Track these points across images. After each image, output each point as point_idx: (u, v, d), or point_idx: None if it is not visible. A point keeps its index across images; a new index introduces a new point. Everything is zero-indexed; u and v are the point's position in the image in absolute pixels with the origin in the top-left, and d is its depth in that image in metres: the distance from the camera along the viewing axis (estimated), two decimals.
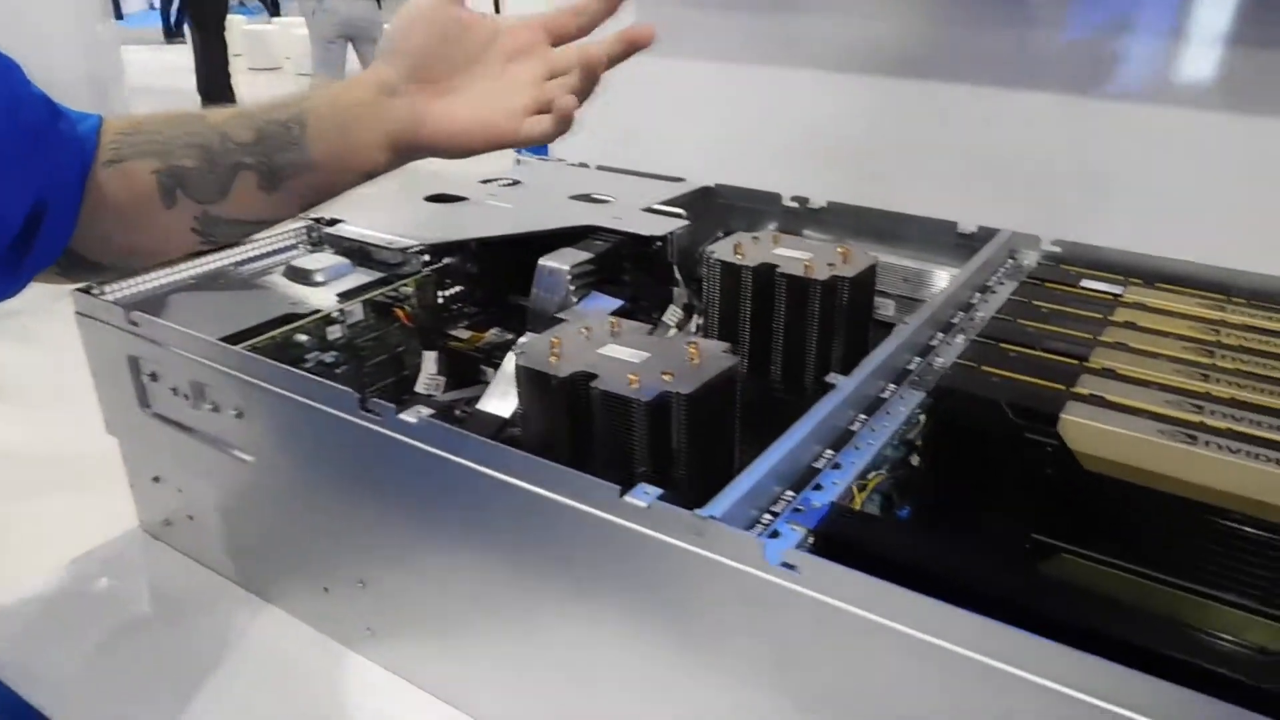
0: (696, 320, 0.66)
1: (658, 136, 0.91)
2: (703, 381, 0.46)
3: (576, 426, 0.48)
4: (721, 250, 0.64)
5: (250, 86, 5.53)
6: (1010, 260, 0.68)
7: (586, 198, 0.74)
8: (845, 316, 0.61)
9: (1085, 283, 0.62)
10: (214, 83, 4.74)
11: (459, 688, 0.48)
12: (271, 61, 6.15)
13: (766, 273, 0.62)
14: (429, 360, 0.60)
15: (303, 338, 0.55)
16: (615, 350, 0.50)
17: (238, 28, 5.79)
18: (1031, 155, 0.71)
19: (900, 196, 0.71)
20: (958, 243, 0.68)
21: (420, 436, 0.42)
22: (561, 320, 0.60)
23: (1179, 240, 0.60)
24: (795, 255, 0.63)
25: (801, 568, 0.33)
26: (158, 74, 5.22)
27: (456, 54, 0.49)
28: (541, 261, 0.63)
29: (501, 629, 0.44)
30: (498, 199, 0.74)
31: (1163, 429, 0.44)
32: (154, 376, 0.53)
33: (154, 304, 0.56)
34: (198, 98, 4.69)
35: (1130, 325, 0.56)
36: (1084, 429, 0.44)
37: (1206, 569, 0.43)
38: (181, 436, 0.54)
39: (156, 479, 0.58)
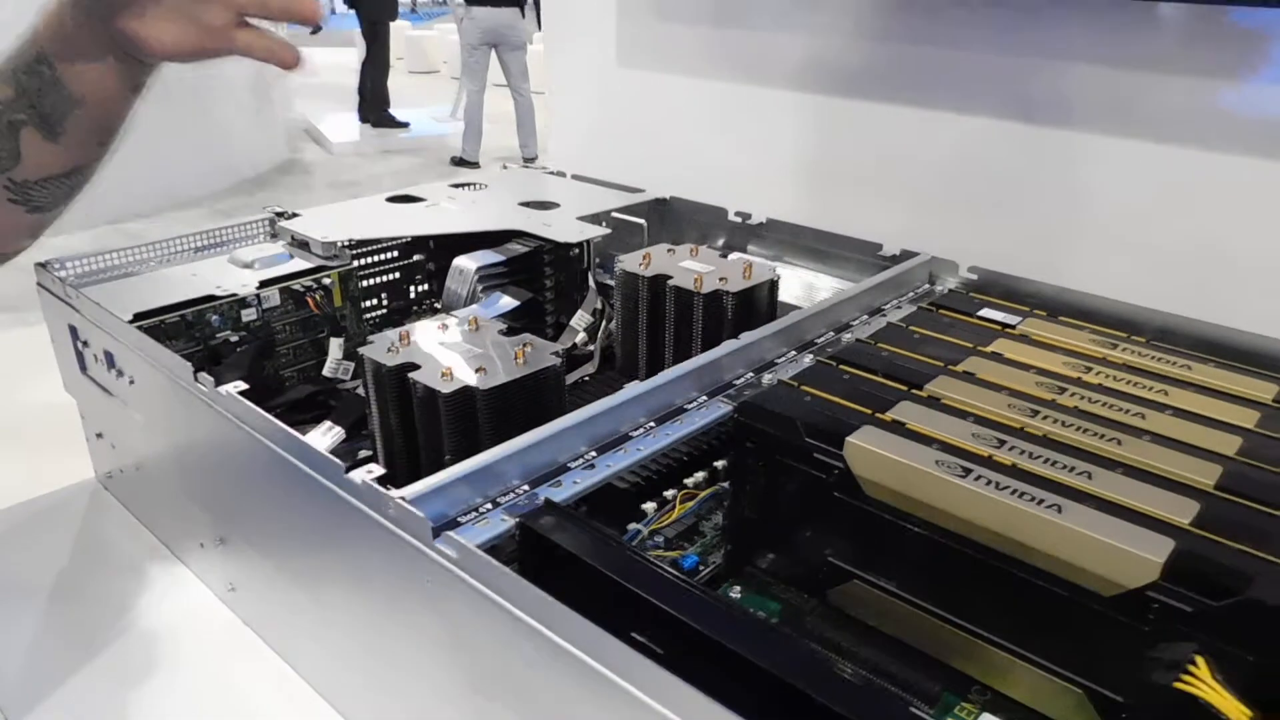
0: (604, 324, 0.68)
1: (650, 150, 0.93)
2: (509, 379, 0.49)
3: (402, 411, 0.51)
4: (628, 261, 0.66)
5: (410, 88, 5.87)
6: (927, 285, 0.66)
7: (534, 204, 0.77)
8: (733, 327, 0.61)
9: (985, 311, 0.61)
10: (375, 84, 5.06)
11: (281, 640, 0.52)
12: (429, 65, 6.50)
13: (659, 283, 0.63)
14: (335, 346, 0.64)
15: (214, 317, 0.61)
16: (455, 346, 0.53)
17: (400, 33, 6.15)
18: (1007, 182, 0.69)
19: (875, 216, 0.71)
20: (880, 264, 0.68)
21: (228, 407, 0.46)
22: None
23: (1147, 275, 0.57)
24: (695, 268, 0.65)
25: (456, 551, 0.35)
26: (326, 72, 5.59)
27: None
28: (455, 260, 0.67)
29: (295, 586, 0.48)
30: (454, 201, 0.79)
31: (940, 460, 0.43)
32: (85, 344, 0.61)
33: (100, 279, 0.63)
34: (356, 97, 5.03)
35: (996, 356, 0.54)
36: (865, 453, 0.44)
37: (967, 603, 0.42)
38: (106, 397, 0.61)
39: (99, 435, 0.66)
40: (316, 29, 0.52)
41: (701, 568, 0.51)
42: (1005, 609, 0.41)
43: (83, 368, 0.62)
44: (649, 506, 0.50)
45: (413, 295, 0.75)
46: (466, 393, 0.48)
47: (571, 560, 0.38)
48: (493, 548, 0.38)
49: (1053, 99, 0.66)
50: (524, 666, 0.35)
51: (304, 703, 0.49)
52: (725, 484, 0.50)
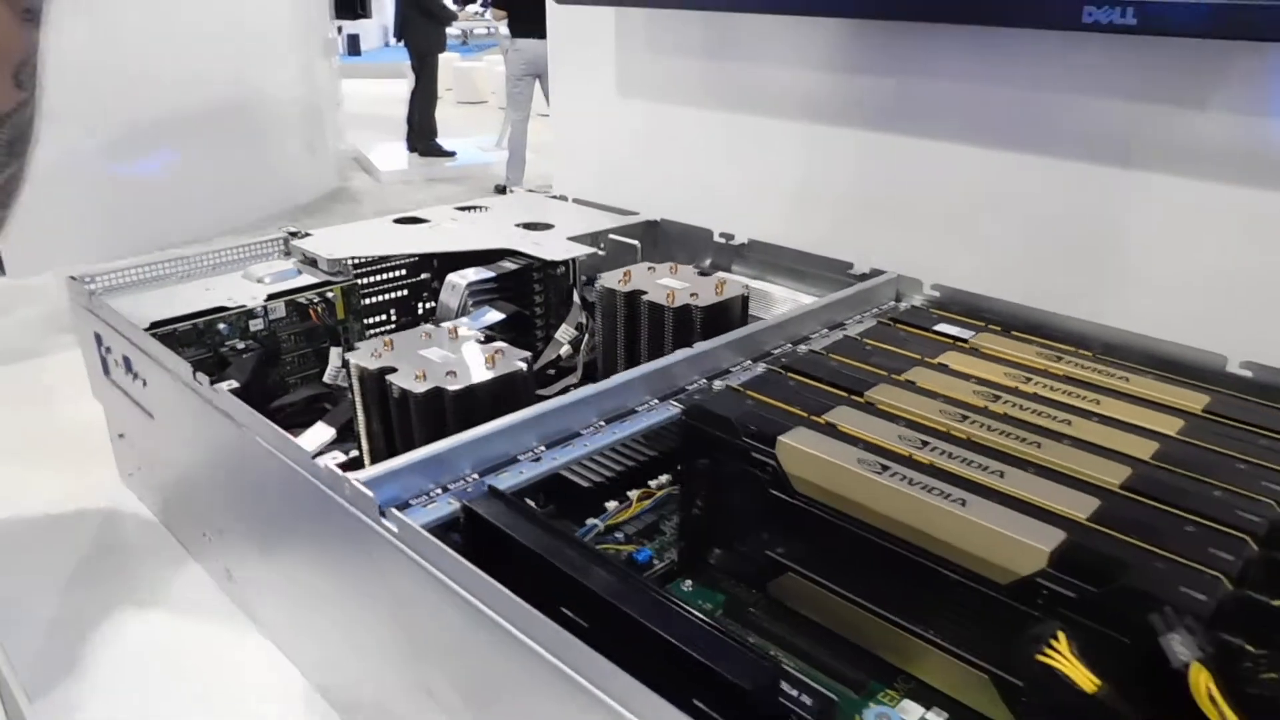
0: (587, 337, 0.72)
1: (648, 175, 0.97)
2: (476, 381, 0.53)
3: (382, 411, 0.56)
4: (607, 278, 0.70)
5: (458, 118, 6.02)
6: (893, 302, 0.69)
7: (530, 225, 0.82)
8: (702, 339, 0.65)
9: (941, 326, 0.63)
10: (423, 114, 5.21)
11: (268, 623, 0.57)
12: (477, 96, 6.66)
13: (635, 298, 0.67)
14: (335, 355, 0.69)
15: (223, 326, 0.66)
16: (433, 353, 0.58)
17: (449, 65, 6.33)
18: (1003, 208, 0.72)
19: (860, 237, 0.74)
20: (850, 281, 0.71)
21: (220, 403, 0.51)
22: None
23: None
24: (671, 285, 0.69)
25: (398, 527, 0.39)
26: (376, 103, 5.78)
27: None
28: (448, 276, 0.72)
29: (276, 571, 0.53)
30: (456, 222, 0.84)
31: (863, 458, 0.46)
32: (108, 350, 0.66)
33: (123, 290, 0.69)
34: (405, 127, 5.18)
35: (941, 366, 0.57)
36: (794, 452, 0.47)
37: (886, 593, 0.45)
38: (126, 400, 0.66)
39: (121, 435, 0.71)
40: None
41: (656, 562, 0.54)
42: (918, 599, 0.44)
43: (106, 372, 0.68)
44: (611, 505, 0.54)
45: (420, 311, 0.80)
46: (436, 393, 0.52)
47: (508, 541, 0.42)
48: (438, 527, 0.42)
49: (1017, 124, 0.69)
50: (456, 636, 0.39)
51: (291, 684, 0.53)
52: None
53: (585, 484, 0.55)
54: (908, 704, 0.46)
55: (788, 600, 0.50)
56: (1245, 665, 0.37)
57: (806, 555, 0.49)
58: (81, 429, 0.75)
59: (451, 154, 5.14)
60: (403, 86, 5.41)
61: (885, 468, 0.45)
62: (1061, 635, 0.36)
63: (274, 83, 3.36)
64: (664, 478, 0.55)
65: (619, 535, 0.55)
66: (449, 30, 5.42)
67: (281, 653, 0.55)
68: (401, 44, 5.20)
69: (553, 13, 0.98)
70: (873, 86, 0.76)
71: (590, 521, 0.53)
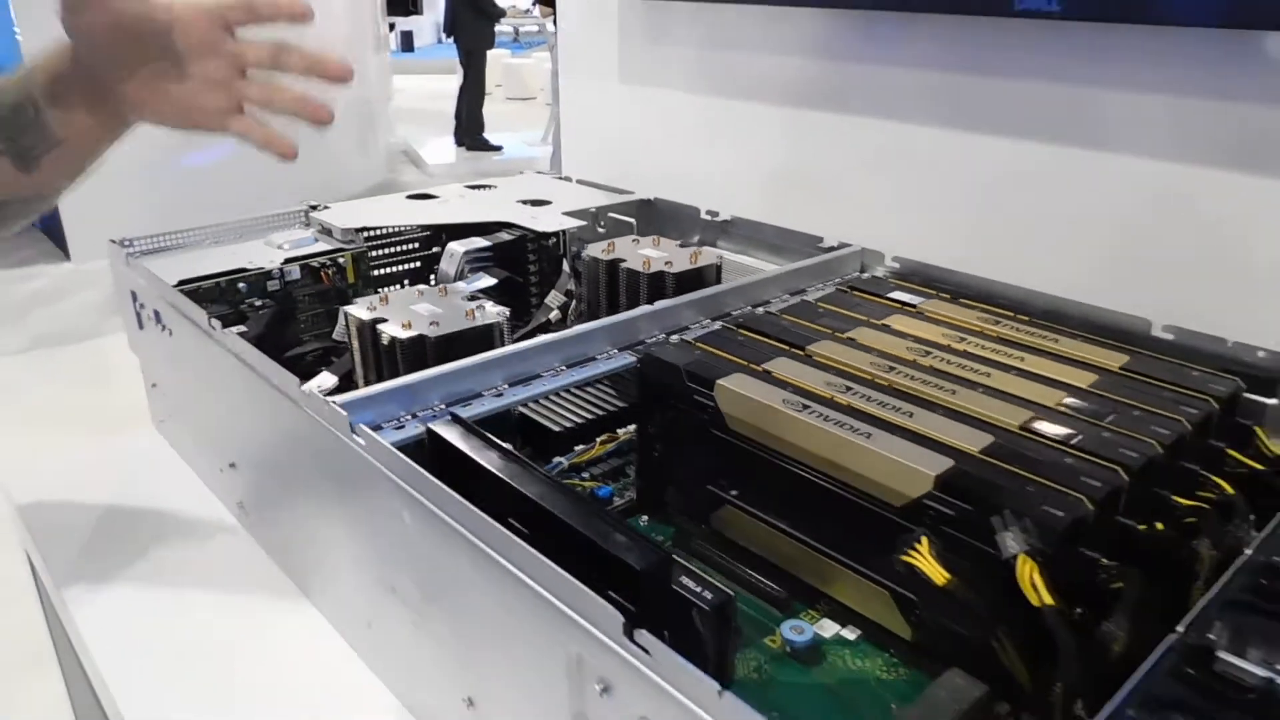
0: (574, 302, 0.78)
1: (648, 157, 1.03)
2: (455, 330, 0.60)
3: (376, 357, 0.62)
4: (593, 248, 0.76)
5: (507, 114, 6.13)
6: (858, 273, 0.74)
7: (531, 202, 0.88)
8: None
9: (895, 294, 0.68)
10: (471, 109, 5.32)
11: (275, 547, 0.63)
12: (526, 92, 6.77)
13: (614, 265, 0.73)
14: (341, 313, 0.76)
15: (243, 285, 0.74)
16: (422, 308, 0.64)
17: (499, 61, 6.44)
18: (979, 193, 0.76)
19: (838, 215, 0.79)
20: (821, 254, 0.76)
21: (230, 345, 0.58)
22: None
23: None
24: (650, 254, 0.74)
25: (365, 440, 0.46)
26: (427, 98, 5.91)
27: (138, 46, 0.51)
28: (449, 244, 0.78)
29: (277, 497, 0.60)
30: (464, 199, 0.90)
31: (787, 399, 0.51)
32: (142, 306, 0.74)
33: (157, 253, 0.77)
34: (454, 122, 5.30)
35: (884, 327, 0.62)
36: (729, 393, 0.53)
37: (805, 520, 0.50)
38: (157, 352, 0.74)
39: (154, 385, 0.79)
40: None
41: (616, 499, 0.60)
42: (831, 524, 0.49)
43: (140, 325, 0.76)
44: (580, 448, 0.60)
45: (432, 282, 0.86)
46: (419, 339, 0.59)
47: (464, 458, 0.48)
48: (403, 445, 0.48)
49: (980, 108, 0.73)
50: (415, 538, 0.45)
51: (298, 607, 0.60)
52: None
53: (556, 429, 0.60)
54: (826, 622, 0.51)
55: (727, 531, 0.55)
56: (1100, 576, 0.42)
57: (740, 488, 0.54)
58: (127, 402, 0.83)
59: (498, 148, 5.24)
60: (452, 82, 5.53)
61: (806, 407, 0.50)
62: (924, 540, 0.41)
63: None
64: (633, 427, 0.61)
65: (585, 475, 0.61)
66: (498, 27, 5.53)
67: (280, 569, 0.62)
68: (451, 40, 5.31)
69: (561, 6, 1.04)
70: (848, 73, 0.81)
71: (556, 459, 0.59)
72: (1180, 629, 0.32)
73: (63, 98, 0.50)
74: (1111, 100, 0.65)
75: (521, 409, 0.54)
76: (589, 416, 0.60)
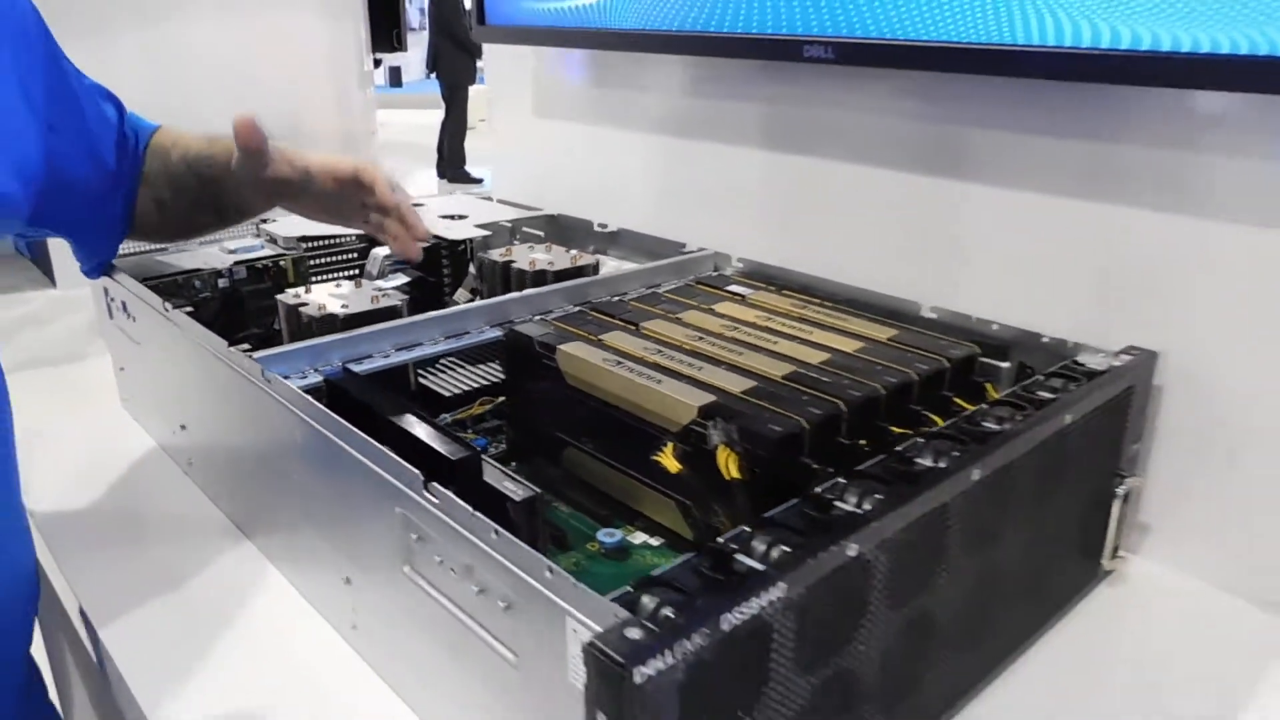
0: (478, 298, 0.93)
1: (560, 178, 1.18)
2: (359, 310, 0.74)
3: (298, 332, 0.77)
4: (491, 253, 0.91)
5: (488, 148, 6.30)
6: (712, 272, 0.89)
7: (450, 216, 1.03)
8: None
9: (732, 286, 0.82)
10: (453, 143, 5.51)
11: (218, 495, 0.77)
12: None
13: (506, 266, 0.88)
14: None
15: (197, 282, 0.88)
16: (339, 295, 0.78)
17: (483, 96, 6.63)
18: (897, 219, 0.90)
19: (717, 228, 0.94)
20: (685, 257, 0.90)
21: (178, 321, 0.72)
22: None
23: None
24: (538, 257, 0.89)
25: (274, 384, 0.60)
26: (414, 132, 6.09)
27: (286, 188, 0.77)
28: (372, 249, 0.93)
29: (217, 448, 0.74)
30: None
31: (607, 358, 0.65)
32: (112, 299, 0.88)
33: (131, 255, 0.91)
34: (436, 155, 5.48)
35: (709, 310, 0.76)
36: (566, 356, 0.67)
37: (618, 451, 0.64)
38: (123, 337, 0.88)
39: (122, 369, 0.93)
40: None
41: (491, 449, 0.74)
42: (635, 451, 0.63)
43: (110, 316, 0.90)
44: (463, 408, 0.74)
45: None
46: (330, 316, 0.73)
47: (349, 398, 0.62)
48: (304, 389, 0.62)
49: (801, 133, 0.88)
50: (303, 454, 0.59)
51: (237, 542, 0.73)
52: None
53: (447, 394, 0.75)
54: (638, 534, 0.65)
55: (572, 469, 0.69)
56: (817, 480, 0.56)
57: (575, 431, 0.68)
58: (101, 400, 0.96)
59: (479, 180, 5.42)
60: (436, 116, 5.72)
61: (620, 363, 0.64)
62: (670, 444, 0.55)
63: (310, 114, 3.62)
64: None
65: (469, 432, 0.75)
66: (480, 63, 5.74)
67: (223, 512, 0.76)
68: (435, 76, 5.52)
69: (486, 49, 1.20)
70: (710, 108, 0.96)
71: (443, 416, 0.73)
72: (818, 490, 0.47)
73: (233, 187, 0.76)
74: (879, 126, 0.80)
75: (420, 378, 0.69)
76: (476, 385, 0.74)
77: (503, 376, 0.74)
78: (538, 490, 0.53)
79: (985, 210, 0.76)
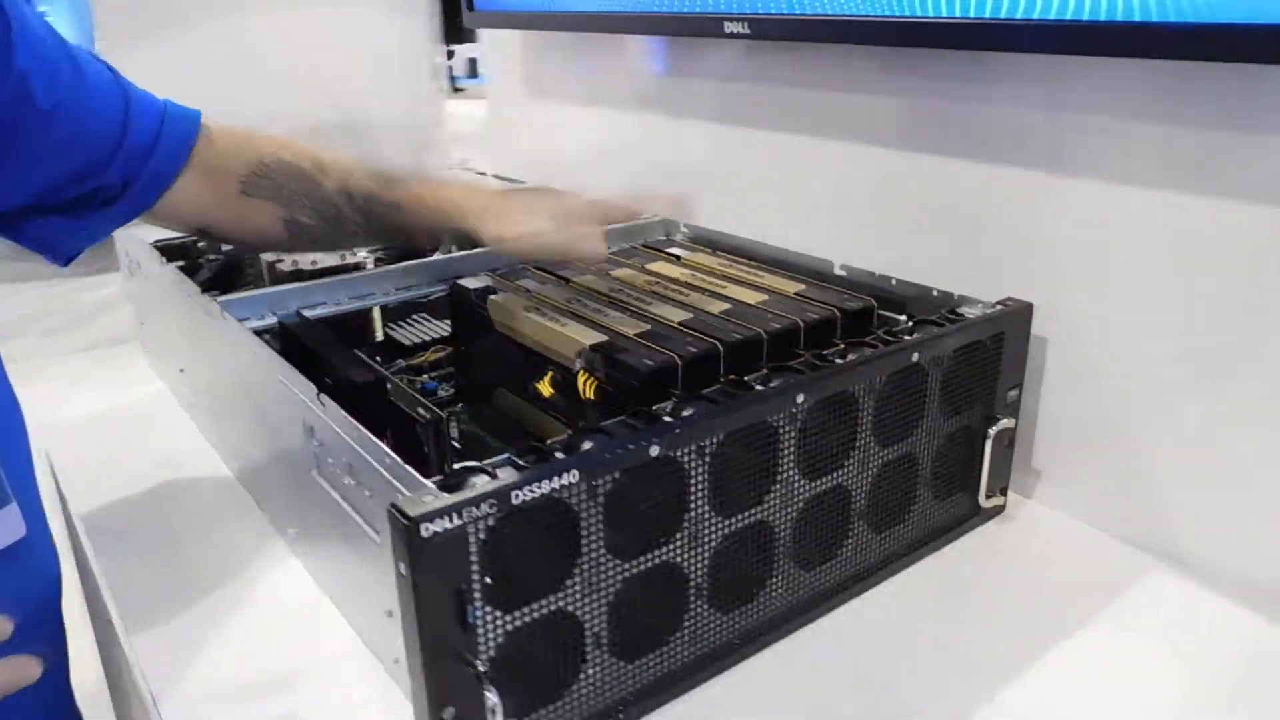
0: None
1: (550, 153, 1.26)
2: (326, 265, 0.83)
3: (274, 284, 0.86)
4: None
5: None
6: (663, 236, 0.95)
7: None
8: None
9: (670, 249, 0.89)
10: None
11: (201, 422, 0.87)
12: None
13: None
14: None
15: (201, 244, 0.98)
16: (316, 256, 0.87)
17: None
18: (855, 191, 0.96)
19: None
20: (636, 223, 0.97)
21: (170, 277, 0.82)
22: None
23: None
24: None
25: (227, 321, 0.69)
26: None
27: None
28: None
29: (194, 378, 0.84)
30: None
31: (528, 305, 0.73)
32: (132, 261, 0.99)
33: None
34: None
35: (641, 268, 0.83)
36: (495, 305, 0.74)
37: (534, 391, 0.72)
38: (139, 293, 0.99)
39: (142, 323, 1.04)
40: None
41: (440, 392, 0.82)
42: (551, 388, 0.70)
43: (130, 275, 1.01)
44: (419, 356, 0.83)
45: None
46: (299, 271, 0.82)
47: (298, 339, 0.71)
48: (261, 330, 0.71)
49: (752, 112, 0.94)
50: (251, 382, 0.68)
51: (217, 466, 0.83)
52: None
53: (408, 344, 0.83)
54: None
55: (502, 408, 0.77)
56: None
57: (502, 372, 0.75)
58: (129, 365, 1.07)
59: None
60: None
61: (537, 310, 0.72)
62: (550, 373, 0.62)
63: (381, 107, 3.76)
64: None
65: (425, 376, 0.83)
66: None
67: (204, 436, 0.86)
68: None
69: (482, 33, 1.28)
70: (674, 85, 1.03)
71: (399, 361, 0.82)
72: (652, 407, 0.53)
73: (438, 224, 0.73)
74: (817, 100, 0.86)
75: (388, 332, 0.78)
76: (436, 335, 0.83)
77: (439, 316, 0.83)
78: (441, 414, 0.61)
79: (925, 179, 0.81)
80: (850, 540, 0.63)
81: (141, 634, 0.61)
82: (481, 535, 0.43)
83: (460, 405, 0.81)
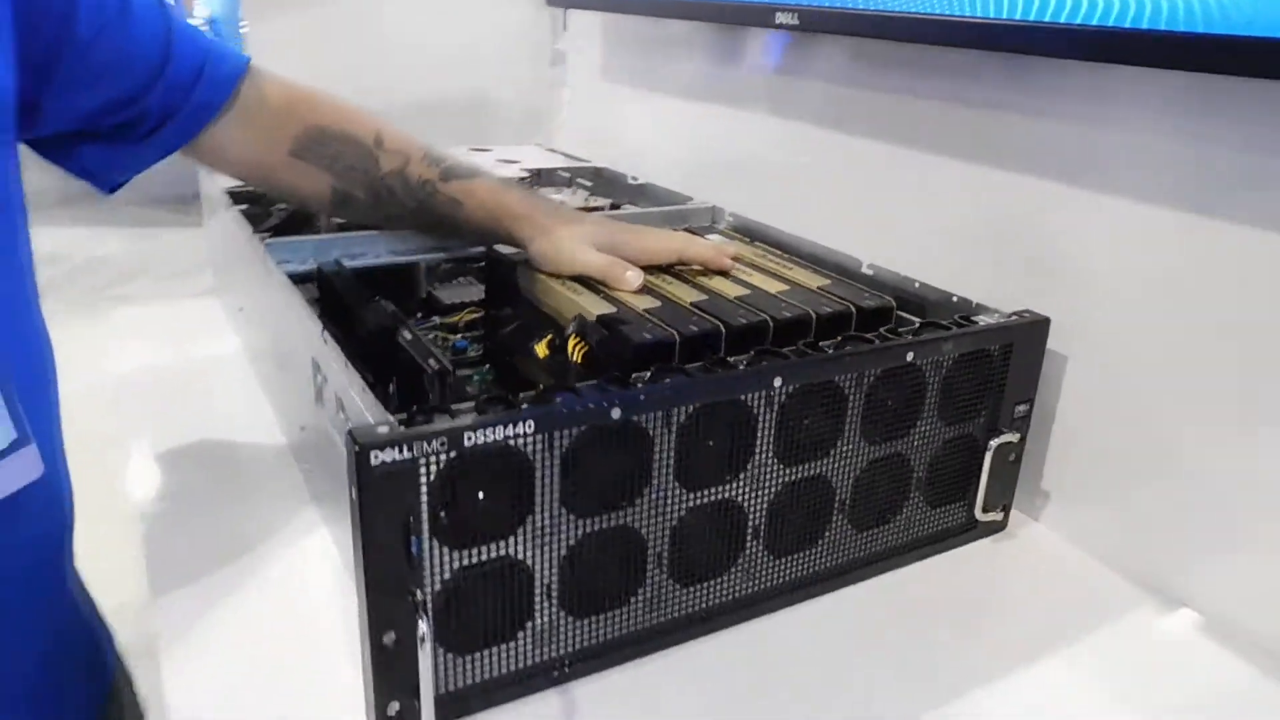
0: None
1: (621, 138, 1.28)
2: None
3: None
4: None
5: None
6: (708, 224, 0.96)
7: (504, 160, 1.15)
8: None
9: (711, 235, 0.90)
10: None
11: (256, 360, 0.92)
12: None
13: None
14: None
15: None
16: None
17: None
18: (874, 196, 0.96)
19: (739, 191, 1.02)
20: (683, 207, 0.98)
21: (231, 219, 0.88)
22: None
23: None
24: (559, 197, 0.99)
25: (267, 262, 0.73)
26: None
27: None
28: None
29: (254, 317, 0.89)
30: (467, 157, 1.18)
31: (562, 280, 0.75)
32: (207, 205, 1.06)
33: None
34: None
35: None
36: (523, 271, 0.77)
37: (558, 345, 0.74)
38: (213, 234, 1.06)
39: (214, 266, 1.11)
40: None
41: (470, 352, 0.85)
42: (547, 350, 0.72)
43: (205, 219, 1.08)
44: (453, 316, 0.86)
45: None
46: (347, 224, 0.87)
47: (333, 287, 0.75)
48: (301, 275, 0.75)
49: (810, 109, 0.94)
50: (286, 325, 0.72)
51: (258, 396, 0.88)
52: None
53: (447, 303, 0.87)
54: None
55: (521, 370, 0.79)
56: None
57: (524, 336, 0.78)
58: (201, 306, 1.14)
59: None
60: None
61: (561, 280, 0.74)
62: (549, 336, 0.64)
63: (500, 91, 3.86)
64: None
65: (458, 336, 0.86)
66: None
67: (251, 366, 0.91)
68: None
69: (573, 19, 1.32)
70: (748, 80, 1.03)
71: (434, 318, 0.85)
72: (632, 375, 0.54)
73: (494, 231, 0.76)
74: (886, 105, 0.85)
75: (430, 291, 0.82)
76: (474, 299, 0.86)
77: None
78: (449, 366, 0.64)
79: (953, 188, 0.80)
80: (829, 533, 0.63)
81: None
82: (432, 472, 0.46)
83: (487, 366, 0.84)
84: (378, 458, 0.44)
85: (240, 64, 0.68)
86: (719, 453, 0.55)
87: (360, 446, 0.43)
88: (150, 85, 0.63)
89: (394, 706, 0.49)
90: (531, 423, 0.47)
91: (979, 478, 0.68)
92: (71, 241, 2.79)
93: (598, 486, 0.52)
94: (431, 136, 0.76)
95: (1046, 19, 0.62)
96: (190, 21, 0.70)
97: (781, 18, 0.77)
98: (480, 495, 0.48)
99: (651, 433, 0.52)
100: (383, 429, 0.45)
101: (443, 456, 0.46)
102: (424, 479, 0.46)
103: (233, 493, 0.72)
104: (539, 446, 0.49)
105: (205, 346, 0.99)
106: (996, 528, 0.71)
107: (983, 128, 0.76)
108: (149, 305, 1.17)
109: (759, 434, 0.56)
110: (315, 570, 0.63)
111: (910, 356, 0.61)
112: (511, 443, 0.47)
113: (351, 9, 1.50)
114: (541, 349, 0.65)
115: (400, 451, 0.44)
